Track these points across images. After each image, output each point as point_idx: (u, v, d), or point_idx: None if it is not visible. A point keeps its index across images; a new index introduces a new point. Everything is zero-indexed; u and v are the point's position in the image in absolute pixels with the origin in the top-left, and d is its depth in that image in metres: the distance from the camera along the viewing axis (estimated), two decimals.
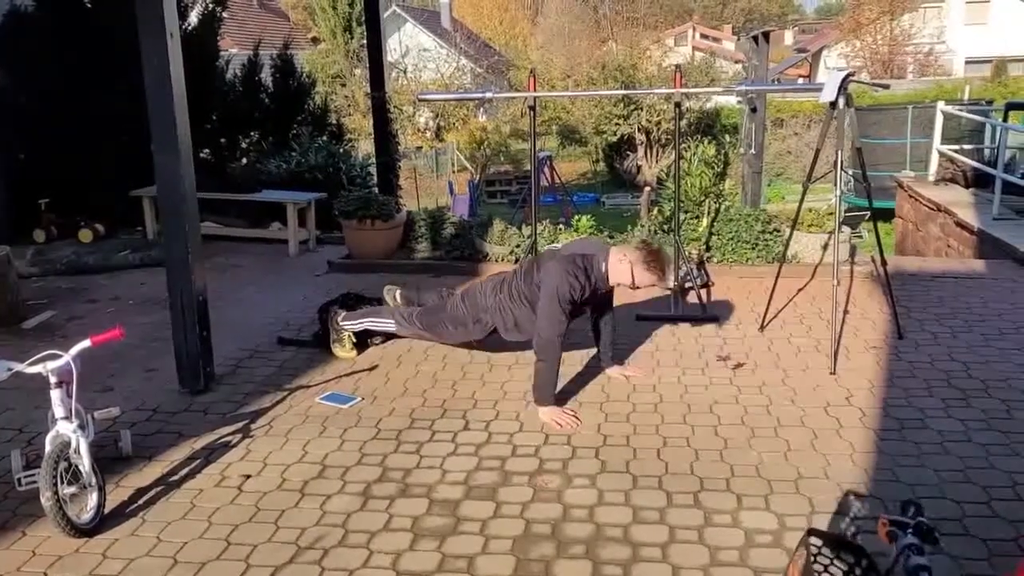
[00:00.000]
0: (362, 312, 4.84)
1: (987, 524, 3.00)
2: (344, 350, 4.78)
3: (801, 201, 5.24)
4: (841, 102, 4.62)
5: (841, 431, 3.74)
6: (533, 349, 4.06)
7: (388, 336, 4.89)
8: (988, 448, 3.55)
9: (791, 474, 3.37)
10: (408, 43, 27.76)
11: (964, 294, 5.78)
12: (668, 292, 5.72)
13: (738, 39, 44.83)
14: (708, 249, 6.47)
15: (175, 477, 3.47)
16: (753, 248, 6.40)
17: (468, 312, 4.38)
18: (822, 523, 3.02)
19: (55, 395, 3.10)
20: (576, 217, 6.89)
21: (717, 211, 6.57)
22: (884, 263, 5.13)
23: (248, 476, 3.46)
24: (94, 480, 3.08)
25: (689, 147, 6.98)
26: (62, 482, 2.97)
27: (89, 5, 8.44)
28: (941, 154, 11.35)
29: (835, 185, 4.71)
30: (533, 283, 4.12)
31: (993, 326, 5.09)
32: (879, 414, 3.91)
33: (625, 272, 4.04)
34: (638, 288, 4.17)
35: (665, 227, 6.52)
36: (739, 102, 16.63)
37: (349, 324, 4.78)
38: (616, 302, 4.56)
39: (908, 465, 3.42)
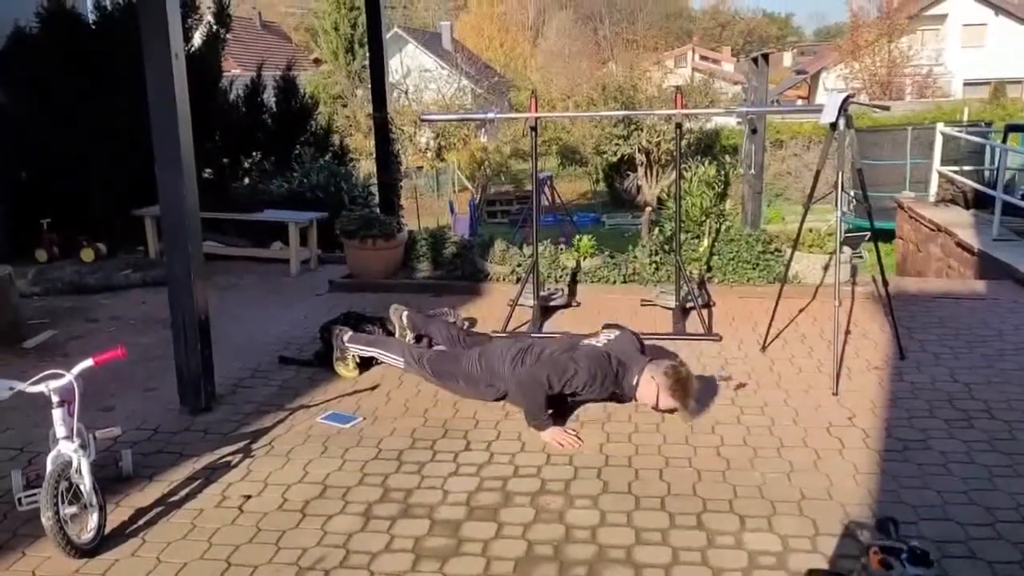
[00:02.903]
0: (371, 339, 4.83)
1: (992, 546, 2.98)
2: (347, 369, 4.77)
3: (802, 221, 5.25)
4: (841, 123, 4.65)
5: (844, 451, 3.73)
6: (516, 383, 4.13)
7: None
8: (991, 469, 3.54)
9: (794, 495, 3.36)
10: (409, 64, 28.00)
11: (965, 314, 5.77)
12: (669, 311, 5.73)
13: (737, 60, 45.18)
14: (709, 269, 6.48)
15: (175, 497, 3.45)
16: (754, 268, 6.41)
17: (482, 374, 4.33)
18: (826, 544, 3.01)
19: (57, 414, 3.09)
20: (577, 237, 6.90)
21: (718, 231, 6.58)
22: (885, 283, 5.14)
23: (249, 496, 3.45)
24: (95, 500, 3.07)
25: (689, 167, 7.01)
26: (63, 502, 2.96)
27: (93, 26, 8.51)
28: (941, 175, 11.39)
29: (836, 206, 4.73)
30: None
31: (994, 347, 5.09)
32: (882, 435, 3.90)
33: (651, 395, 4.08)
34: (659, 410, 4.13)
35: (666, 247, 6.53)
36: (739, 123, 16.72)
37: (356, 347, 4.76)
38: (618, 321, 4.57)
39: (911, 486, 3.41)
